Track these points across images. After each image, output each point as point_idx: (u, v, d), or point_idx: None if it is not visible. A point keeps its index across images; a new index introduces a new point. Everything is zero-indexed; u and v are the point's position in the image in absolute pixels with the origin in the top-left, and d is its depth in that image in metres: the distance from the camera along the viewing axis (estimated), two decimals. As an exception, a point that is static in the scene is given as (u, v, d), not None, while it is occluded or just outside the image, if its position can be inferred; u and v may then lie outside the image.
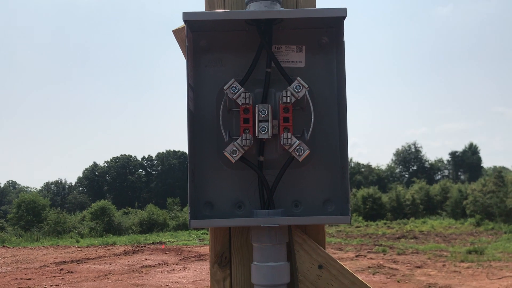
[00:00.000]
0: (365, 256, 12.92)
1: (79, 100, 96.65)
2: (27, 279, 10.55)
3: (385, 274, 10.33)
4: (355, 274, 1.48)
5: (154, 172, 66.83)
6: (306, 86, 1.46)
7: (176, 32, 1.68)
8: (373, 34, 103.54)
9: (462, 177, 62.73)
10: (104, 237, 23.31)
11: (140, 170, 66.69)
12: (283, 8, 1.55)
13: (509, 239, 16.45)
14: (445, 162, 66.84)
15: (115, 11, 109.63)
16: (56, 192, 66.41)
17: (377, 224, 25.16)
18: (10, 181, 78.09)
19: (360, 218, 27.91)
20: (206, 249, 14.94)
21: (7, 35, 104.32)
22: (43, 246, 18.70)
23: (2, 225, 28.92)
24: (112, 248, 16.70)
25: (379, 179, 53.89)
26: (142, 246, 16.89)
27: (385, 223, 25.82)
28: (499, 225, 21.40)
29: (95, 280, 10.20)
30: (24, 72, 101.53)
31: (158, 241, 19.22)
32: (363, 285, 1.47)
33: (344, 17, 1.45)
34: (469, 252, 13.02)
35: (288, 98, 1.45)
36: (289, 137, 1.44)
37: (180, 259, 13.15)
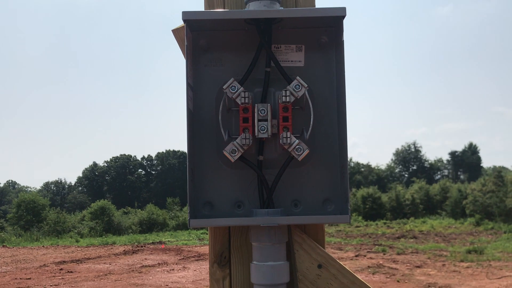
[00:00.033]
0: (364, 256, 12.92)
1: (79, 100, 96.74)
2: (26, 279, 10.54)
3: (385, 273, 10.33)
4: (354, 274, 1.48)
5: (153, 172, 66.78)
6: (306, 85, 1.46)
7: (176, 32, 1.68)
8: (373, 34, 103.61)
9: (461, 177, 62.71)
10: (103, 237, 23.30)
11: (139, 170, 66.65)
12: (282, 8, 1.55)
13: (509, 239, 16.45)
14: (445, 162, 66.89)
15: (115, 11, 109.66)
16: (56, 192, 66.35)
17: (376, 224, 25.16)
18: (10, 181, 78.13)
19: (360, 217, 27.93)
20: (205, 249, 14.94)
21: (7, 35, 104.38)
22: (43, 246, 18.70)
23: (1, 225, 28.90)
24: (111, 248, 16.70)
25: (379, 179, 53.90)
26: (141, 246, 16.88)
27: (384, 223, 25.83)
28: (498, 224, 21.40)
29: (94, 280, 10.19)
30: (24, 72, 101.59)
31: (157, 241, 19.21)
32: (363, 285, 1.47)
33: (343, 17, 1.45)
34: (469, 251, 13.02)
35: (287, 97, 1.45)
36: (288, 136, 1.44)
37: (179, 259, 13.14)
